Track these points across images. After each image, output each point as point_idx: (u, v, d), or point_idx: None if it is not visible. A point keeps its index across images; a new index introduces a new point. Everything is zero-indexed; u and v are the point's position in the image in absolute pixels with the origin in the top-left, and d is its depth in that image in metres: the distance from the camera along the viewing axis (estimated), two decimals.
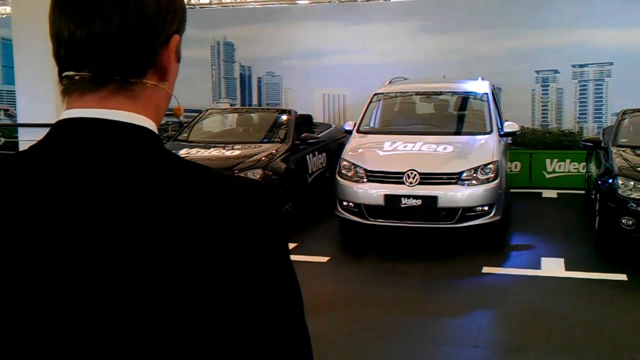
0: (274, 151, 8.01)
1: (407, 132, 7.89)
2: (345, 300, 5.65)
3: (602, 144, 7.91)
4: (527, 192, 9.99)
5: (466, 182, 6.86)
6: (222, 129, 9.72)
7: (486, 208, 6.83)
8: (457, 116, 8.73)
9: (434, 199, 6.76)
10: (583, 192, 9.36)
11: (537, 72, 10.85)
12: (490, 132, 7.67)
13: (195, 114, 9.65)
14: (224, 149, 8.07)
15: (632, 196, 6.53)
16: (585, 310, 5.38)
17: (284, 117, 9.09)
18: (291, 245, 6.97)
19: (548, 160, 10.53)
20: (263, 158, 7.74)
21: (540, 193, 10.03)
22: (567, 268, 6.29)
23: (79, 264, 0.84)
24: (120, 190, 0.87)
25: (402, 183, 6.82)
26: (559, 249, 6.91)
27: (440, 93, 8.96)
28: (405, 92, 9.08)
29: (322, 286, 5.83)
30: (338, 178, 7.25)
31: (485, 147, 7.37)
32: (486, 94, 8.30)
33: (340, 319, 5.17)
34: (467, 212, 6.79)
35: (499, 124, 7.90)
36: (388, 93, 8.91)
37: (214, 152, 7.96)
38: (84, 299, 0.84)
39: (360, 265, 6.66)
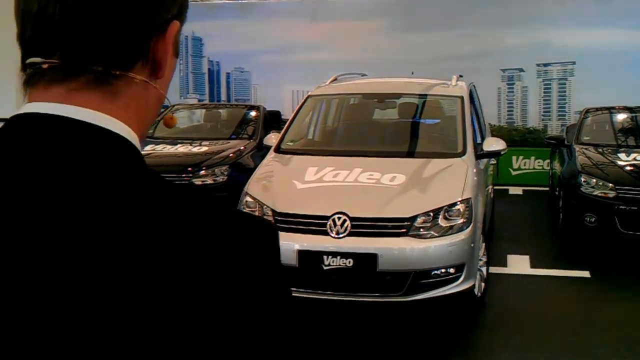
0: (242, 147, 7.97)
1: (343, 153, 5.79)
2: None
3: (566, 142, 8.05)
4: (495, 189, 10.10)
5: (421, 233, 4.72)
6: (189, 125, 9.64)
7: (452, 271, 4.72)
8: (418, 130, 6.52)
9: (371, 258, 4.60)
10: (547, 189, 9.52)
11: (503, 70, 11.05)
12: (462, 154, 5.52)
13: (162, 110, 9.54)
14: (191, 145, 8.00)
15: (594, 193, 6.64)
16: (549, 307, 5.46)
17: (253, 114, 9.06)
18: None
19: (514, 157, 10.68)
20: (231, 154, 7.70)
21: (507, 190, 10.15)
22: (532, 265, 6.38)
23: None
24: (71, 217, 0.64)
25: (326, 233, 4.70)
26: (525, 246, 6.98)
27: (399, 96, 6.75)
28: (350, 94, 6.96)
29: None
30: None
31: (451, 178, 5.22)
32: (461, 97, 6.09)
33: None
34: (423, 277, 4.67)
35: (477, 139, 5.99)
36: (326, 95, 6.81)
37: (180, 149, 7.88)
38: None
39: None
